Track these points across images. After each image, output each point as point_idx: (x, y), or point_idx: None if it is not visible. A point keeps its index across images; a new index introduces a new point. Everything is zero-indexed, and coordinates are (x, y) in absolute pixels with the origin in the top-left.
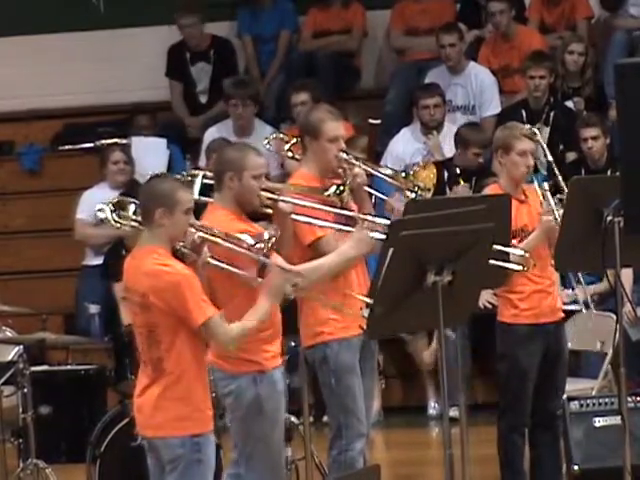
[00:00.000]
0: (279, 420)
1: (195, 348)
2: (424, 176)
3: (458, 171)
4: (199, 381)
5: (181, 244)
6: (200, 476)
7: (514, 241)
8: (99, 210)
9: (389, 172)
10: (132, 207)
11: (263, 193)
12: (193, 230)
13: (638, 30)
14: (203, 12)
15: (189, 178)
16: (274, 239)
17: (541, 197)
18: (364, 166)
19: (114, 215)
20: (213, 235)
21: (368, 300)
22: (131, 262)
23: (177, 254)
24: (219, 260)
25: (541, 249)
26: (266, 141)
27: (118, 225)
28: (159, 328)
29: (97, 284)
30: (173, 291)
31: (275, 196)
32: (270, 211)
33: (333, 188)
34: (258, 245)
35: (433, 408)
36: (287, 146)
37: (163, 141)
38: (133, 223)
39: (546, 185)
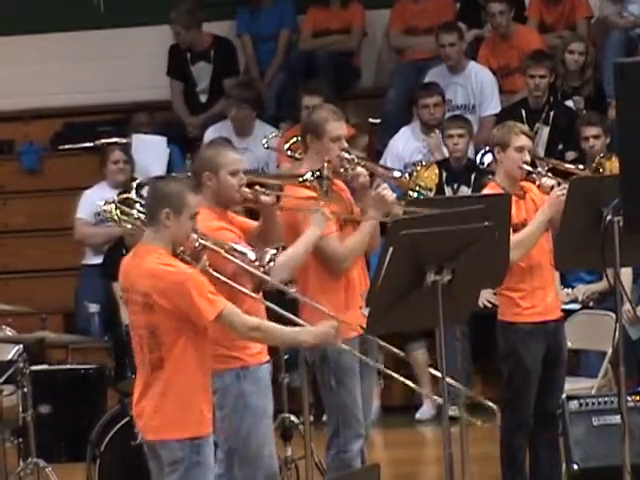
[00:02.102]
0: (265, 416)
1: (197, 350)
2: (426, 176)
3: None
4: (199, 383)
5: (181, 249)
6: (200, 478)
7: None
8: (105, 203)
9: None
10: (137, 206)
11: (244, 189)
12: (195, 236)
13: (637, 29)
14: (197, 15)
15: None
16: (275, 259)
17: (539, 180)
18: (366, 166)
19: (118, 212)
20: (215, 244)
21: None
22: (130, 261)
23: (177, 258)
24: (216, 271)
25: (542, 245)
26: (265, 140)
27: (121, 222)
28: (161, 328)
29: (97, 283)
30: (178, 290)
31: (255, 190)
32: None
33: (308, 174)
34: (258, 262)
35: (421, 412)
36: (287, 145)
37: (163, 139)
38: (136, 222)
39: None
